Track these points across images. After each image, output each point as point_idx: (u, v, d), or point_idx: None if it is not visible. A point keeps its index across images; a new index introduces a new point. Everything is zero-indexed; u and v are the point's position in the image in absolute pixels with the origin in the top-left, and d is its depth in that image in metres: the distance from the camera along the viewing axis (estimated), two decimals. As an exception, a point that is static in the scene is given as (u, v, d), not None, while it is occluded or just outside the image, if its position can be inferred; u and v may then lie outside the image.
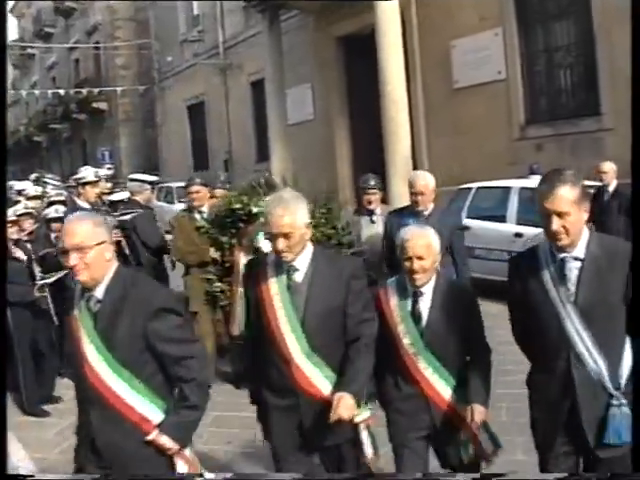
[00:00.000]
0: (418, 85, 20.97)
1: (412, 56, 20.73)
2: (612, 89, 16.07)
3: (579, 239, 4.18)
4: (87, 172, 10.39)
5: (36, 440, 8.17)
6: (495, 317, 12.26)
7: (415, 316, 4.86)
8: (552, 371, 4.33)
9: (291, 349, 4.47)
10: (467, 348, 5.03)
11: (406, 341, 4.84)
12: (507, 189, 13.74)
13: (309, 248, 4.57)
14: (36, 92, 48.83)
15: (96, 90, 42.39)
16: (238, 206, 8.73)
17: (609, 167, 12.76)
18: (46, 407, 9.11)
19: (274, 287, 4.54)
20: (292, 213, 4.36)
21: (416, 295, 4.88)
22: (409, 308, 4.87)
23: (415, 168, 19.83)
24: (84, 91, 42.89)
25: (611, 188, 12.74)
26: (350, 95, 24.49)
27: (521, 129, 18.66)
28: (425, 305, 4.87)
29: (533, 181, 14.21)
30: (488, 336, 9.86)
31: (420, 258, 4.76)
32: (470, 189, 14.76)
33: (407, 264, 4.79)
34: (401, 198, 18.95)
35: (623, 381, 4.21)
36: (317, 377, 4.51)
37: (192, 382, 4.00)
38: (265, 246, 7.85)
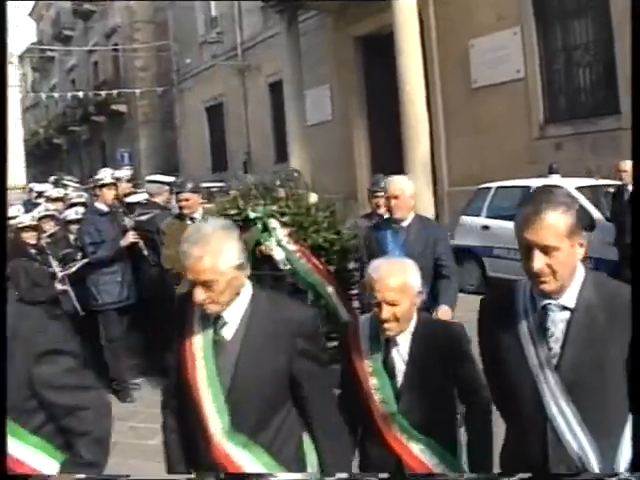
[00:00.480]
0: (437, 85, 20.95)
1: (430, 56, 20.70)
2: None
3: (570, 283, 3.10)
4: (104, 174, 10.41)
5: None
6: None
7: (388, 370, 3.93)
8: (525, 450, 3.22)
9: (211, 424, 3.43)
10: (462, 403, 4.07)
11: (378, 397, 3.91)
12: (527, 188, 13.66)
13: (245, 294, 3.47)
14: (55, 95, 48.99)
15: (115, 92, 42.51)
16: (233, 212, 8.09)
17: (629, 166, 12.69)
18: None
19: (198, 340, 3.49)
20: (214, 254, 3.27)
21: (389, 345, 3.94)
22: (381, 359, 3.94)
23: (434, 168, 19.87)
24: (103, 93, 43.01)
25: (631, 187, 12.68)
26: (369, 95, 24.49)
27: (540, 128, 18.61)
28: (400, 358, 3.93)
29: (553, 180, 14.19)
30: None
31: (392, 304, 3.81)
32: (489, 189, 14.75)
33: (376, 310, 3.87)
34: (419, 198, 18.97)
35: (621, 468, 3.09)
36: (241, 458, 3.44)
37: (86, 436, 3.28)
38: (278, 254, 7.94)
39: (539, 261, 2.96)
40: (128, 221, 9.77)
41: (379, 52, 22.62)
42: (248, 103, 33.03)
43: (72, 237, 10.19)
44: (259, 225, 7.93)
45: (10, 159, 30.97)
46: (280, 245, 7.90)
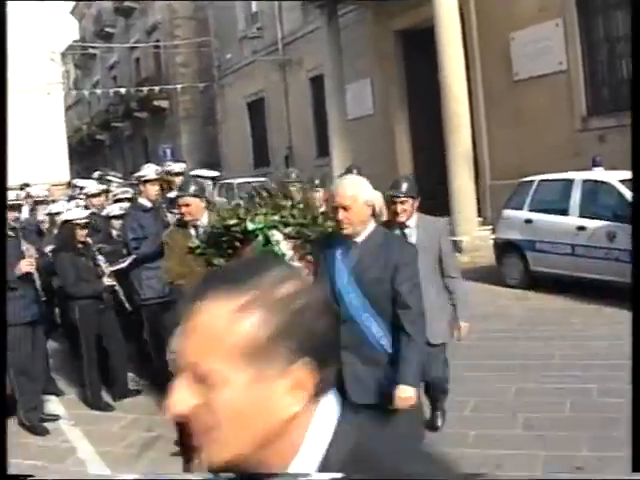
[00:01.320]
0: (478, 78, 20.87)
1: (471, 48, 20.64)
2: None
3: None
4: (148, 170, 10.50)
5: (101, 434, 8.33)
6: (557, 312, 12.31)
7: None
8: None
9: None
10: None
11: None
12: (570, 181, 13.62)
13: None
14: (98, 91, 49.39)
15: (157, 88, 42.77)
16: (233, 222, 6.94)
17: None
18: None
19: None
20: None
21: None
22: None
23: (476, 162, 19.81)
24: (145, 89, 43.28)
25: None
26: (409, 89, 24.45)
27: (583, 120, 18.48)
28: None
29: (596, 173, 14.10)
30: (550, 331, 9.82)
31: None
32: (532, 182, 14.66)
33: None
34: (461, 192, 18.97)
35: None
36: None
37: None
38: (287, 250, 6.66)
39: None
40: (170, 217, 9.85)
41: (419, 45, 22.57)
42: (289, 98, 33.10)
43: (115, 233, 10.30)
44: (260, 238, 6.76)
45: (53, 155, 31.34)
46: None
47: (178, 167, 12.95)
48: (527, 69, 19.44)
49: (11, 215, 9.12)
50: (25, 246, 8.86)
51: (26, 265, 8.69)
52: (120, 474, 7.04)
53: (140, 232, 9.39)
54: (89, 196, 12.17)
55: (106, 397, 9.46)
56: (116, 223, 10.33)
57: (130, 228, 9.53)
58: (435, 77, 19.52)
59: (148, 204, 9.78)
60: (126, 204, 10.71)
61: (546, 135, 18.53)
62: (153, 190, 9.96)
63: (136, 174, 11.44)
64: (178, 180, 12.25)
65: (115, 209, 10.50)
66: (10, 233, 8.98)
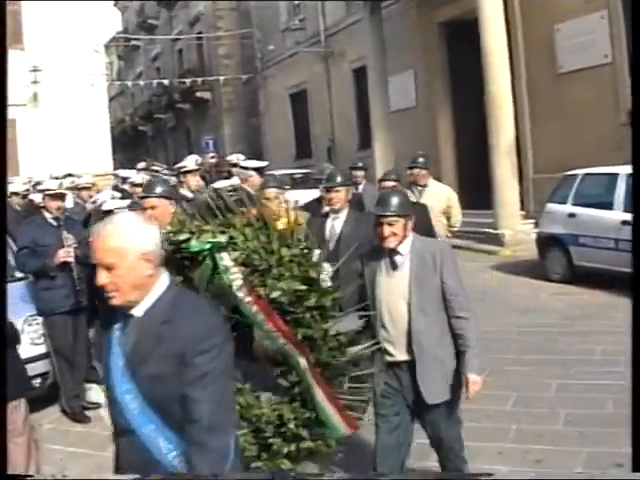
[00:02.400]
0: (521, 70, 20.69)
1: (515, 41, 20.47)
2: None
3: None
4: (189, 161, 10.57)
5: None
6: (600, 307, 12.20)
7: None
8: None
9: None
10: None
11: None
12: (614, 176, 13.47)
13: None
14: (141, 82, 49.65)
15: (199, 80, 42.97)
16: (184, 237, 5.17)
17: None
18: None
19: None
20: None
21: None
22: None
23: (519, 154, 19.69)
24: (188, 81, 43.48)
25: None
26: (453, 81, 24.31)
27: (628, 114, 18.26)
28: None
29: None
30: (592, 326, 9.71)
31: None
32: (576, 176, 14.53)
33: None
34: (504, 185, 18.87)
35: None
36: None
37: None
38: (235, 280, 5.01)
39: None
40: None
41: (463, 38, 22.42)
42: (332, 89, 33.10)
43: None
44: (208, 261, 5.14)
45: (97, 146, 31.53)
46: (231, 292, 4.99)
47: (235, 157, 13.01)
48: (572, 62, 19.24)
49: (54, 204, 9.17)
50: (65, 235, 8.93)
51: (64, 254, 8.77)
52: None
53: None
54: (134, 186, 12.26)
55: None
56: None
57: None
58: (479, 69, 19.41)
59: (189, 194, 9.83)
60: None
61: (590, 128, 18.34)
62: (194, 180, 10.01)
63: (177, 165, 11.50)
64: (234, 171, 12.34)
65: None
66: (52, 222, 9.06)
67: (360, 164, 12.63)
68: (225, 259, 5.03)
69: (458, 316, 5.51)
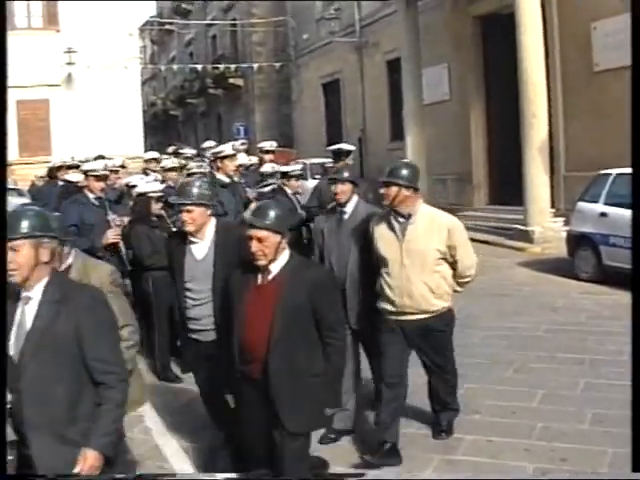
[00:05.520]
0: (557, 67, 20.57)
1: (551, 37, 20.33)
2: None
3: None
4: (226, 146, 10.63)
5: (169, 405, 8.50)
6: (628, 307, 12.06)
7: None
8: None
9: None
10: None
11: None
12: (647, 176, 13.37)
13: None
14: (174, 67, 49.82)
15: (233, 66, 43.02)
16: None
17: None
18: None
19: None
20: None
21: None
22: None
23: (551, 151, 19.59)
24: (221, 67, 43.56)
25: None
26: (487, 76, 24.19)
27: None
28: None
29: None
30: (621, 326, 9.63)
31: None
32: (609, 175, 14.45)
33: None
34: (536, 182, 18.79)
35: None
36: None
37: None
38: None
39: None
40: (250, 192, 9.91)
41: (498, 32, 22.35)
42: (365, 80, 33.04)
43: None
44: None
45: (129, 129, 31.67)
46: None
47: (268, 145, 13.08)
48: (608, 60, 19.07)
49: (98, 185, 9.27)
50: (111, 216, 9.01)
51: (113, 236, 8.85)
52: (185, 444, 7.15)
53: (220, 208, 9.46)
54: (166, 170, 12.36)
55: (175, 369, 9.58)
56: None
57: None
58: (513, 64, 19.33)
59: (226, 179, 9.87)
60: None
61: (624, 128, 18.10)
62: (231, 166, 10.06)
63: (213, 150, 11.56)
64: (268, 157, 12.38)
65: None
66: (95, 202, 9.15)
67: (345, 174, 7.31)
68: None
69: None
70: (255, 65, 41.12)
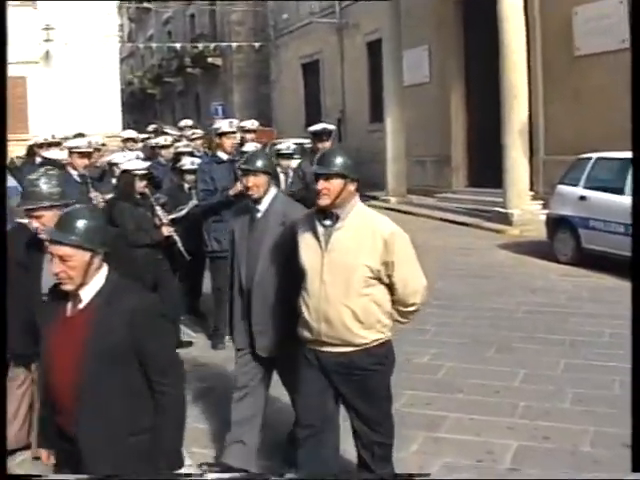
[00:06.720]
0: (538, 51, 20.62)
1: (533, 21, 20.35)
2: None
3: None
4: (224, 123, 10.64)
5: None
6: (608, 290, 12.26)
7: None
8: None
9: None
10: None
11: None
12: (627, 161, 13.46)
13: None
14: (153, 45, 49.55)
15: (211, 45, 42.84)
16: None
17: None
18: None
19: None
20: None
21: None
22: None
23: (531, 134, 19.68)
24: (200, 46, 43.36)
25: None
26: (467, 59, 24.22)
27: (642, 100, 18.23)
28: None
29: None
30: (600, 309, 9.70)
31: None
32: (589, 159, 14.56)
33: None
34: (515, 165, 18.87)
35: None
36: None
37: None
38: None
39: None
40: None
41: (480, 15, 22.37)
42: (345, 61, 33.01)
43: (187, 186, 10.43)
44: None
45: (107, 107, 31.51)
46: None
47: (250, 123, 13.10)
48: (589, 45, 19.16)
49: (81, 162, 9.25)
50: (93, 194, 9.00)
51: None
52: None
53: (211, 184, 9.47)
54: (160, 147, 12.44)
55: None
56: (188, 177, 10.46)
57: (202, 180, 9.65)
58: (494, 48, 19.35)
59: (224, 156, 9.88)
60: (198, 159, 10.87)
61: (605, 113, 18.30)
62: (229, 143, 10.07)
63: (212, 127, 11.62)
64: (249, 137, 12.41)
65: (187, 163, 10.61)
66: (77, 179, 9.13)
67: (259, 164, 6.04)
68: None
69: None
70: (234, 44, 40.96)
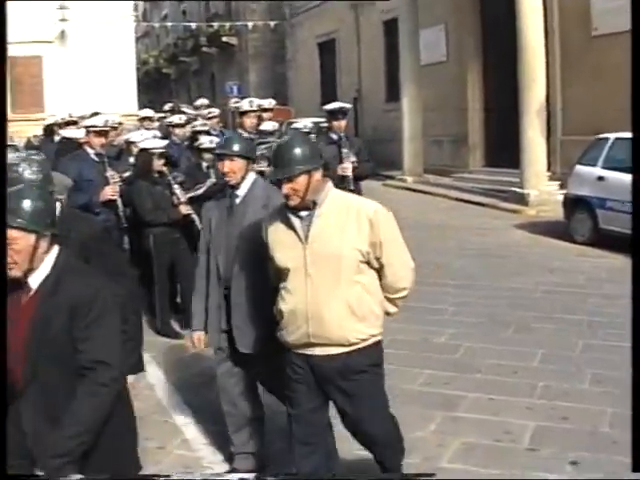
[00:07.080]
0: (555, 30, 20.46)
1: (550, 1, 20.22)
2: None
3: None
4: (243, 102, 10.66)
5: (170, 361, 8.56)
6: (624, 271, 12.12)
7: None
8: None
9: None
10: None
11: None
12: (646, 140, 13.40)
13: None
14: (168, 24, 49.42)
15: (227, 24, 42.70)
16: None
17: None
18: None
19: None
20: None
21: None
22: None
23: (549, 114, 19.58)
24: (215, 25, 43.23)
25: None
26: (484, 37, 24.07)
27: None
28: None
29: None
30: (619, 289, 9.63)
31: None
32: (607, 139, 14.48)
33: None
34: (532, 145, 18.78)
35: None
36: None
37: None
38: None
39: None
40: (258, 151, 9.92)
41: (497, -6, 22.25)
42: (361, 40, 32.88)
43: (205, 165, 10.40)
44: None
45: (122, 86, 31.48)
46: None
47: (267, 102, 13.11)
48: (607, 25, 18.96)
49: (98, 141, 9.24)
50: (110, 173, 9.00)
51: (111, 192, 8.85)
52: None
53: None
54: (173, 126, 12.45)
55: (175, 325, 9.65)
56: (206, 156, 10.42)
57: None
58: (512, 27, 19.23)
59: (246, 135, 9.87)
60: (215, 138, 10.81)
61: (623, 93, 18.10)
62: (249, 122, 10.09)
63: (232, 105, 11.62)
64: (266, 115, 12.42)
65: (206, 142, 10.57)
66: (94, 158, 9.13)
67: (235, 147, 5.57)
68: None
69: None
70: (250, 24, 40.80)
